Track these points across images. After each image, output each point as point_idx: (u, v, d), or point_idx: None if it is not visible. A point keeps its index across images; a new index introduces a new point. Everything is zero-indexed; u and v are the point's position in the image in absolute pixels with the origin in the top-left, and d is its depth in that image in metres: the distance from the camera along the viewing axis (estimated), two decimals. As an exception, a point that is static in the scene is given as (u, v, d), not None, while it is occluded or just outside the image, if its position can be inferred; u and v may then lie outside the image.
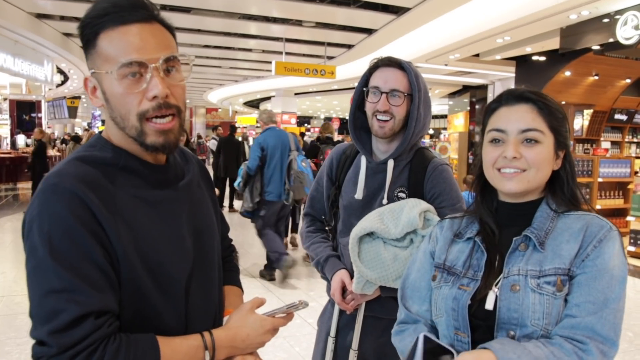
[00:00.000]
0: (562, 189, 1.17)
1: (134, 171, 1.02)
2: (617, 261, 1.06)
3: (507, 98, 1.17)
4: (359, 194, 1.76)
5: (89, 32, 0.97)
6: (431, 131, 24.39)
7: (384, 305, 1.72)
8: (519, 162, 1.12)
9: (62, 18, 10.48)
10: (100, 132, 1.08)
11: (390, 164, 1.72)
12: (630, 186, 7.78)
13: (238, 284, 1.33)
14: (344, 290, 1.74)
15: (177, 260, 1.03)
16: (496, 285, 1.10)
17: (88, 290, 0.87)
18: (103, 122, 1.62)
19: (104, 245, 0.91)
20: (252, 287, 5.05)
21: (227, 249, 1.37)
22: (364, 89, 1.74)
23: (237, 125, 15.73)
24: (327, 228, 1.96)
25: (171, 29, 1.04)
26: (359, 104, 1.80)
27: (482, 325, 1.10)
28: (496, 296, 1.09)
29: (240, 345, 1.07)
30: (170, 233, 1.03)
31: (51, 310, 0.85)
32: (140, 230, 0.97)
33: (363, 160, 1.78)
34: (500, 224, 1.19)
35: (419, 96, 1.68)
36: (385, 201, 1.71)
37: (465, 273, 1.17)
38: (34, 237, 0.89)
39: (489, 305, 1.09)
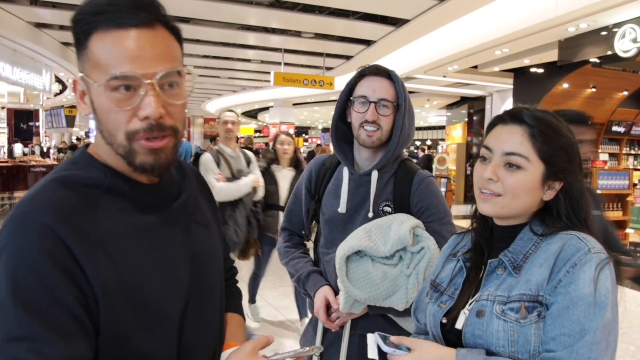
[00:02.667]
0: (552, 220, 1.08)
1: (120, 193, 0.90)
2: (596, 286, 0.95)
3: (505, 116, 1.11)
4: (342, 208, 1.68)
5: (79, 31, 0.85)
6: (429, 142, 24.44)
7: (371, 322, 1.64)
8: (495, 186, 1.06)
9: (62, 27, 10.49)
10: (86, 146, 0.96)
11: (375, 175, 1.65)
12: (629, 198, 7.75)
13: (239, 311, 1.19)
14: (328, 307, 1.66)
15: (168, 293, 0.90)
16: (469, 305, 1.08)
17: (53, 340, 0.75)
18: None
19: (79, 285, 0.80)
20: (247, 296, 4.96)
21: (229, 271, 1.24)
22: (351, 98, 1.67)
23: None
24: (306, 242, 1.87)
25: (178, 34, 0.91)
26: (340, 114, 1.73)
27: (458, 342, 1.08)
28: (465, 317, 1.07)
29: None
30: (160, 263, 0.91)
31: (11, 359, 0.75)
32: (125, 263, 0.85)
33: (345, 172, 1.70)
34: (492, 245, 1.15)
35: (405, 106, 1.62)
36: (371, 214, 1.64)
37: (447, 291, 1.15)
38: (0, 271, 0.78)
39: (459, 324, 1.08)
